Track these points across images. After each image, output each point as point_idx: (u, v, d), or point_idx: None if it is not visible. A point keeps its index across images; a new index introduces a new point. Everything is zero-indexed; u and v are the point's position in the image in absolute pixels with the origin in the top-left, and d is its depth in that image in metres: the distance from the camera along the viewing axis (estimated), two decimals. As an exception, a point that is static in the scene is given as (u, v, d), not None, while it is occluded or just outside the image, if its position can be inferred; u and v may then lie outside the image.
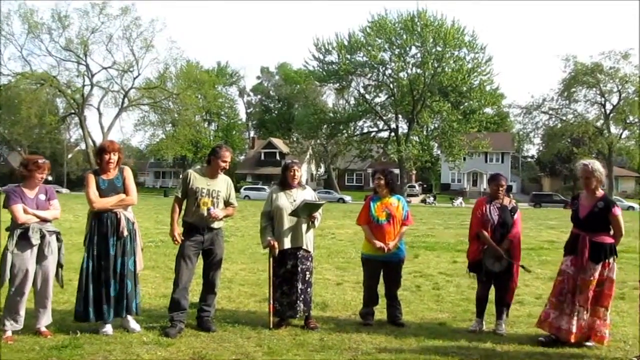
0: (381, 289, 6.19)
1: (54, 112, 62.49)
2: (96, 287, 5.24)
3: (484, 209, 5.88)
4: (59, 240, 5.35)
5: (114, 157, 5.35)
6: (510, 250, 5.79)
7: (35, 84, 57.71)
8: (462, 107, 53.29)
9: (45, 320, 5.26)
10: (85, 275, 5.24)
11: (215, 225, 5.66)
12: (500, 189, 5.91)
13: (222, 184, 5.74)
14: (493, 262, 5.73)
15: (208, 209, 5.53)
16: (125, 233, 5.29)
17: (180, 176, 5.77)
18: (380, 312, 6.24)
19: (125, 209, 5.39)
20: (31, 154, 65.74)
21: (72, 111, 62.39)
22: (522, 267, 5.87)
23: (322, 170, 78.36)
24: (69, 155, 74.51)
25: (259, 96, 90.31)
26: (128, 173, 5.50)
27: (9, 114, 61.79)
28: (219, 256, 5.72)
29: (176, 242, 5.57)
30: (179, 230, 5.60)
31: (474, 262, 5.92)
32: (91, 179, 5.32)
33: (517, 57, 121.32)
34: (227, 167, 5.73)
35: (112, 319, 5.30)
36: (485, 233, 5.77)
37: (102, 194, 5.28)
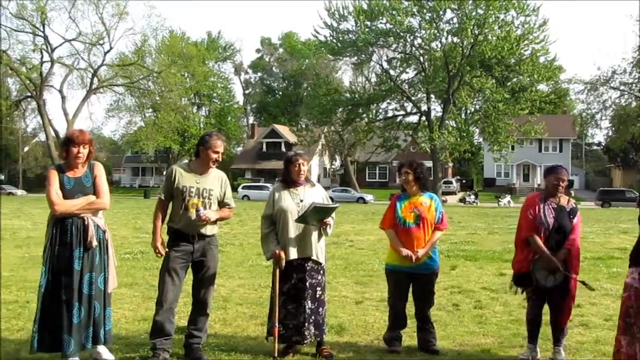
0: (410, 308, 6.18)
1: (5, 96, 62.69)
2: (55, 310, 5.15)
3: (536, 208, 5.82)
4: None
5: (84, 151, 5.32)
6: (568, 261, 5.75)
7: (-20, 60, 57.67)
8: (509, 83, 53.08)
9: None
10: (42, 295, 5.18)
11: (207, 231, 5.65)
12: (561, 184, 5.85)
13: (215, 181, 5.73)
14: (546, 275, 5.68)
15: (197, 211, 5.52)
16: (95, 243, 5.25)
17: (164, 173, 5.76)
18: (410, 336, 6.23)
19: (95, 214, 5.37)
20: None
21: (28, 94, 62.80)
22: (583, 283, 5.82)
23: (337, 163, 78.49)
24: (25, 149, 74.93)
25: (259, 74, 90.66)
26: (100, 170, 5.48)
27: (-55, 98, 62.05)
28: (211, 270, 5.72)
29: (159, 255, 5.59)
30: (161, 239, 5.62)
31: (521, 275, 5.89)
32: (53, 176, 5.29)
33: (579, 20, 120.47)
34: (220, 160, 5.73)
35: (73, 350, 5.15)
36: (537, 239, 5.74)
37: (67, 194, 5.24)
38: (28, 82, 60.61)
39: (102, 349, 5.39)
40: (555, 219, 5.76)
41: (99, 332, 5.29)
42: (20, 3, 57.84)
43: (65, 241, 5.20)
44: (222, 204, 5.78)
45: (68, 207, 5.21)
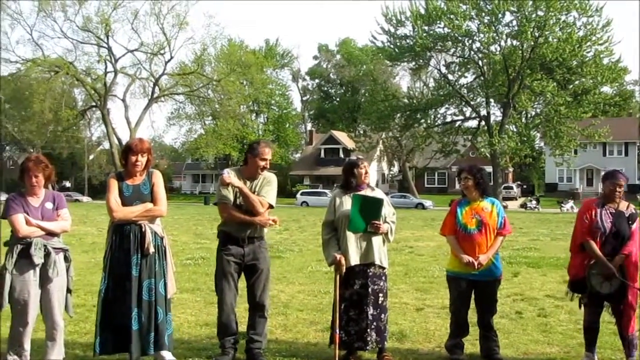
0: (473, 315, 6.09)
1: (72, 106, 64.62)
2: (115, 314, 5.26)
3: (593, 213, 5.72)
4: (67, 259, 5.36)
5: (142, 159, 5.42)
6: (625, 268, 5.58)
7: (49, 71, 59.55)
8: (571, 86, 51.99)
9: (56, 354, 5.24)
10: (103, 301, 5.29)
11: (256, 234, 5.72)
12: (618, 189, 5.73)
13: (259, 182, 5.80)
14: (601, 281, 5.54)
15: (220, 173, 5.64)
16: (152, 250, 5.32)
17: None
18: (472, 344, 6.15)
19: (153, 221, 5.45)
20: (45, 155, 67.72)
21: (93, 104, 64.52)
22: (640, 291, 5.65)
23: (395, 169, 78.16)
24: (90, 157, 76.97)
25: (317, 80, 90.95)
26: (158, 178, 5.56)
27: (19, 109, 64.26)
28: (265, 272, 5.78)
29: (277, 223, 5.75)
30: (263, 216, 5.67)
31: (577, 280, 5.77)
32: (113, 184, 5.40)
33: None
34: (268, 166, 5.79)
35: (135, 356, 5.25)
36: (593, 244, 5.61)
37: (126, 202, 5.34)
38: (93, 92, 62.27)
39: (165, 354, 5.45)
40: (613, 224, 5.63)
41: (162, 338, 5.35)
42: (85, 16, 59.79)
43: (124, 247, 5.30)
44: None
45: (126, 214, 5.30)
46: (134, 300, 5.23)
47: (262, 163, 5.72)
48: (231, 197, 5.66)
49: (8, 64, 59.68)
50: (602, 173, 57.03)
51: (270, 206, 5.76)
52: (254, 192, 5.68)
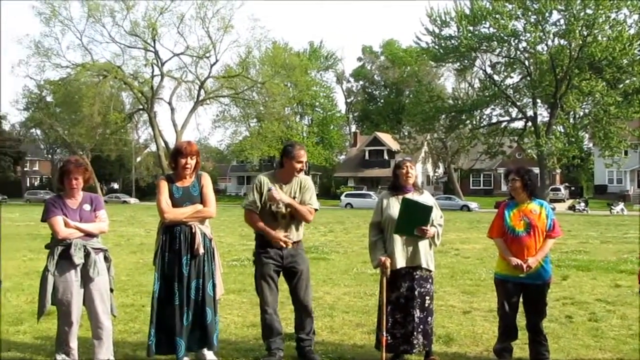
0: (521, 319, 6.00)
1: (119, 109, 65.92)
2: (168, 314, 5.36)
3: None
4: (107, 259, 5.46)
5: (191, 162, 5.51)
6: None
7: (98, 76, 60.75)
8: (621, 85, 50.81)
9: (104, 354, 5.32)
10: (156, 300, 5.39)
11: (294, 237, 5.76)
12: None
13: (297, 186, 5.83)
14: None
15: (269, 189, 5.64)
16: (202, 251, 5.40)
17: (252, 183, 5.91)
18: (521, 348, 6.06)
19: (202, 222, 5.54)
20: (94, 158, 70.16)
21: (140, 107, 65.74)
22: None
23: (440, 171, 77.69)
24: (138, 159, 78.51)
25: (361, 82, 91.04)
26: (207, 180, 5.65)
27: (69, 112, 65.96)
28: (305, 272, 5.83)
29: (289, 244, 5.66)
30: (281, 232, 5.68)
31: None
32: (163, 186, 5.50)
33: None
34: (304, 169, 5.82)
35: (184, 353, 5.36)
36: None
37: (176, 203, 5.43)
38: (140, 95, 63.31)
39: (207, 353, 5.54)
40: None
41: (211, 337, 5.44)
42: (133, 21, 60.66)
43: (174, 248, 5.39)
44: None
45: (177, 215, 5.39)
46: (185, 299, 5.34)
47: (298, 166, 5.76)
48: (259, 203, 5.71)
49: (59, 68, 61.30)
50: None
51: (315, 209, 5.85)
52: (292, 197, 5.73)
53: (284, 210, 5.67)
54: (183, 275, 5.35)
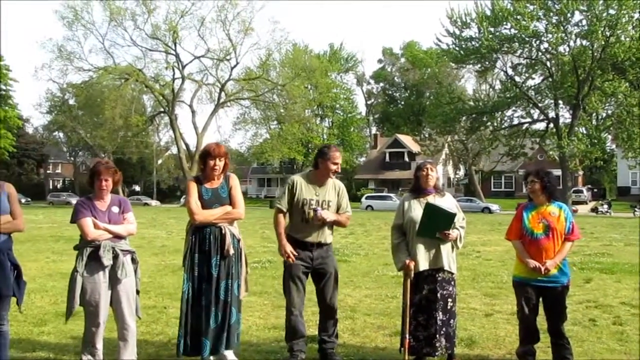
0: (543, 322, 5.96)
1: (141, 112, 66.35)
2: (196, 315, 5.42)
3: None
4: (134, 261, 5.50)
5: (220, 163, 5.57)
6: None
7: (119, 79, 61.28)
8: (645, 86, 50.22)
9: (128, 354, 5.36)
10: (185, 301, 5.44)
11: (327, 239, 5.80)
12: None
13: (332, 191, 5.87)
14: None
15: (315, 210, 5.66)
16: (232, 251, 5.47)
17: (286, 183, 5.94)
18: (544, 351, 6.03)
19: (231, 223, 5.60)
20: (116, 160, 70.71)
21: (161, 109, 66.14)
22: None
23: (461, 173, 77.33)
24: (159, 161, 78.97)
25: (382, 84, 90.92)
26: (235, 182, 5.72)
27: (91, 115, 66.58)
28: (333, 274, 5.86)
29: (290, 259, 5.69)
30: (289, 245, 5.73)
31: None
32: (193, 187, 5.55)
33: None
34: (339, 170, 5.84)
35: (209, 353, 5.40)
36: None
37: (205, 204, 5.49)
38: (161, 98, 63.71)
39: (227, 353, 5.56)
40: None
41: (233, 337, 5.49)
42: (154, 24, 61.01)
43: (204, 249, 5.45)
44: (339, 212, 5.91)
45: (207, 216, 5.45)
46: (212, 300, 5.38)
47: (333, 167, 5.77)
48: (286, 205, 5.79)
49: (81, 72, 61.73)
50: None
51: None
52: (326, 202, 5.80)
53: (316, 205, 5.73)
54: (212, 276, 5.40)
